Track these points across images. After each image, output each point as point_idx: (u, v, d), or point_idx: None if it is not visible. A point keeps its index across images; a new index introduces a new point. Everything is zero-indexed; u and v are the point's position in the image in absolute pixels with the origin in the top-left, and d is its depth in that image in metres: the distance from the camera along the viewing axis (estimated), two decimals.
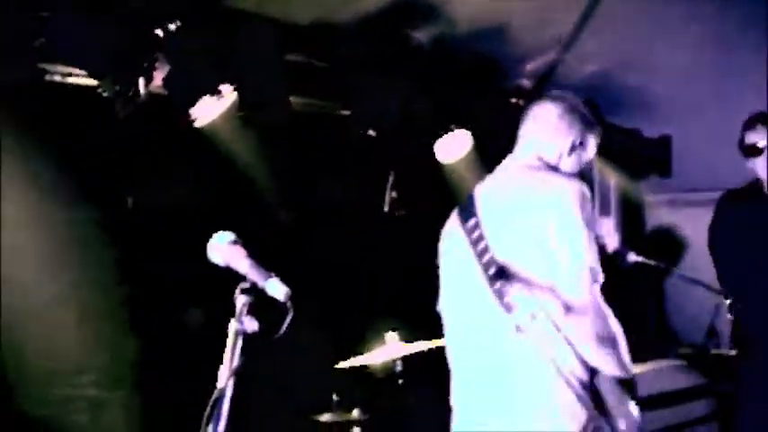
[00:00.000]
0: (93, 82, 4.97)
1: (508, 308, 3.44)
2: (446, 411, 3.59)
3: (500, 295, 3.46)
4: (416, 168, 6.25)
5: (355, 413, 5.58)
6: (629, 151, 7.88)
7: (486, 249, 3.54)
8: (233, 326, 2.79)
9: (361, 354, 5.52)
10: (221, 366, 2.68)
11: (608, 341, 3.41)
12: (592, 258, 3.44)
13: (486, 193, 3.78)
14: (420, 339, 5.57)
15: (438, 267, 3.91)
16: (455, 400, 3.77)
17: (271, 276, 2.83)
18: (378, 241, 6.27)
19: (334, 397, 5.63)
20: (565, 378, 3.37)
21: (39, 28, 4.54)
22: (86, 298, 5.32)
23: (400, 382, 5.62)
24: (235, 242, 2.97)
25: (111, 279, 5.34)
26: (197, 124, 5.42)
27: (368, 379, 5.92)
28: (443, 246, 3.90)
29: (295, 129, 5.73)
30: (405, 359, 5.58)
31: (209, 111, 5.43)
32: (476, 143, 6.37)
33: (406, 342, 5.56)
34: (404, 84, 6.10)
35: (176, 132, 5.38)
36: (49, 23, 4.57)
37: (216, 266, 2.92)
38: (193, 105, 5.35)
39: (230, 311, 2.81)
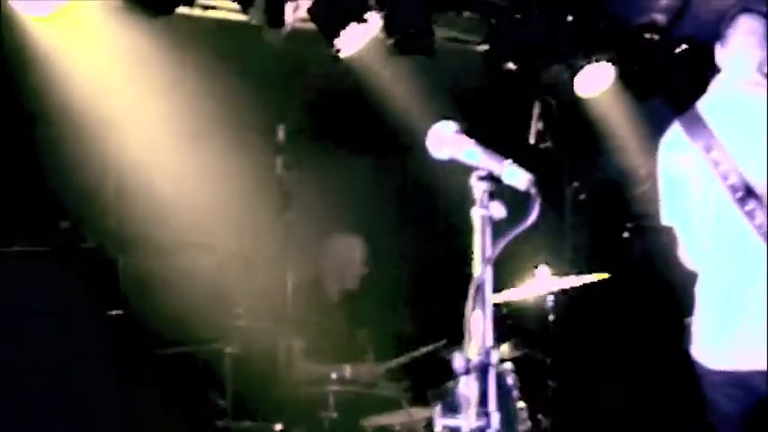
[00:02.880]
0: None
1: (761, 228, 3.28)
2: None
3: (752, 216, 3.30)
4: (560, 101, 5.99)
5: (504, 348, 5.33)
6: None
7: (730, 171, 3.39)
8: (477, 213, 2.56)
9: (512, 287, 5.26)
10: (474, 255, 2.45)
11: None
12: None
13: (716, 110, 3.61)
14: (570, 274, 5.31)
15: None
16: (700, 320, 3.55)
17: (507, 162, 2.58)
18: None
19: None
20: None
21: None
22: None
23: (551, 318, 5.34)
24: (459, 131, 2.73)
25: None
26: (342, 54, 5.20)
27: (517, 315, 5.69)
28: (665, 158, 3.71)
29: (437, 61, 5.51)
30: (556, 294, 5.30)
31: (353, 40, 5.23)
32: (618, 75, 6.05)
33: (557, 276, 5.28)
34: (541, 17, 5.83)
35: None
36: None
37: None
38: (339, 34, 5.14)
39: None
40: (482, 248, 2.51)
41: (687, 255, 3.73)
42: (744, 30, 3.72)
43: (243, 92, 5.44)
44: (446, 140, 2.73)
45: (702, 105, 3.73)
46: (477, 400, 2.20)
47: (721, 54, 3.78)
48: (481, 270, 2.44)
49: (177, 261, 5.42)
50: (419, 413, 5.33)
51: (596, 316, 6.47)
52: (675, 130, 3.74)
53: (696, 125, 3.64)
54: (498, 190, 2.64)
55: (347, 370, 5.66)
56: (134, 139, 5.33)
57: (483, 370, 2.24)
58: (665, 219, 3.75)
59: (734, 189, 3.48)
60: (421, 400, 5.45)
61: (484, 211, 2.56)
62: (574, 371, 6.09)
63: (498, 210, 2.58)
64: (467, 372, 2.23)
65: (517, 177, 2.60)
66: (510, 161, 2.66)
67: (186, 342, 5.24)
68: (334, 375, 5.11)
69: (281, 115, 5.19)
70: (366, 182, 6.45)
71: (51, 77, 4.84)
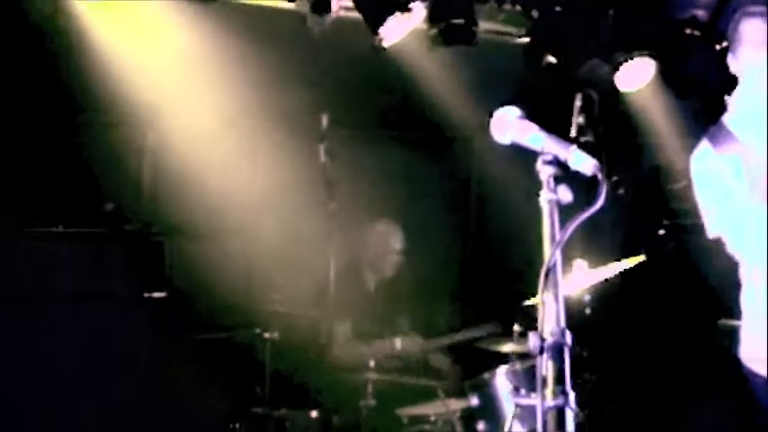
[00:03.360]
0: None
1: None
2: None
3: None
4: (601, 95, 5.99)
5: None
6: None
7: None
8: (545, 197, 2.57)
9: None
10: (545, 240, 2.47)
11: None
12: None
13: (742, 123, 3.59)
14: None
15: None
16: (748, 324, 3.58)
17: (573, 147, 2.59)
18: None
19: (516, 327, 5.36)
20: None
21: None
22: None
23: (588, 312, 5.34)
24: (523, 116, 2.75)
25: None
26: (384, 43, 5.22)
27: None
28: (699, 169, 3.68)
29: (478, 54, 5.53)
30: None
31: (397, 29, 5.25)
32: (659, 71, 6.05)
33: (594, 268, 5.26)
34: (582, 10, 5.83)
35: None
36: None
37: None
38: (383, 22, 5.17)
39: None
40: (551, 232, 2.52)
41: (740, 259, 3.68)
42: (749, 37, 3.68)
43: (287, 80, 5.48)
44: (510, 125, 2.75)
45: (729, 119, 3.68)
46: (555, 378, 2.22)
47: (734, 65, 3.74)
48: (551, 253, 2.46)
49: (220, 247, 5.48)
50: (455, 404, 5.36)
51: (632, 311, 6.47)
52: (705, 147, 3.68)
53: (726, 138, 3.59)
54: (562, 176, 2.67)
55: (397, 343, 5.72)
56: (178, 126, 5.39)
57: (558, 349, 2.26)
58: (711, 230, 3.70)
59: None
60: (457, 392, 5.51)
61: (551, 195, 2.58)
62: (611, 365, 6.10)
63: (565, 194, 2.60)
64: (541, 351, 2.25)
65: (583, 162, 2.62)
66: (575, 146, 2.68)
67: (227, 327, 5.28)
68: (372, 363, 5.14)
69: (325, 103, 5.22)
70: (407, 171, 6.48)
71: (100, 63, 4.89)
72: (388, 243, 6.04)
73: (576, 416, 5.16)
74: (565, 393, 2.21)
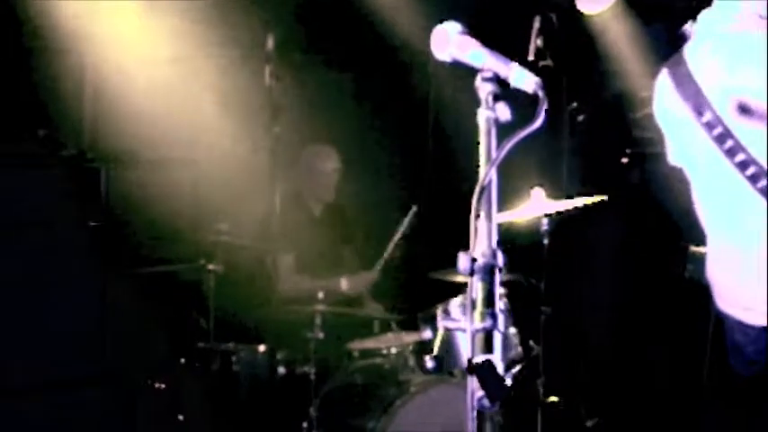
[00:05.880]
0: None
1: (762, 192, 3.21)
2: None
3: (754, 181, 3.22)
4: (562, 17, 5.93)
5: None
6: None
7: (725, 135, 3.29)
8: (482, 114, 2.54)
9: (505, 210, 5.26)
10: (479, 159, 2.44)
11: None
12: None
13: (701, 57, 3.48)
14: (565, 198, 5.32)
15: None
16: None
17: (513, 64, 2.55)
18: None
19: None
20: None
21: None
22: None
23: (545, 242, 5.35)
24: (464, 32, 2.69)
25: None
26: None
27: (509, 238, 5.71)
28: (660, 105, 3.60)
29: None
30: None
31: None
32: None
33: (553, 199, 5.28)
34: None
35: None
36: None
37: None
38: None
39: None
40: (487, 151, 2.49)
41: (696, 199, 3.65)
42: None
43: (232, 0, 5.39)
44: (450, 41, 2.70)
45: (688, 51, 3.58)
46: (483, 301, 2.20)
47: None
48: (486, 172, 2.43)
49: (163, 175, 5.42)
50: (408, 337, 5.38)
51: (591, 242, 6.50)
52: (664, 82, 3.61)
53: (684, 79, 3.50)
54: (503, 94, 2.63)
55: (343, 282, 5.72)
56: (114, 49, 5.30)
57: (489, 271, 2.24)
58: (672, 158, 3.68)
59: (731, 153, 3.36)
60: (409, 324, 5.52)
61: (489, 113, 2.55)
62: (567, 297, 6.15)
63: (503, 111, 2.56)
64: (472, 272, 2.23)
65: (524, 79, 2.58)
66: (516, 63, 2.63)
67: (168, 259, 5.24)
68: (321, 295, 5.12)
69: (271, 24, 5.13)
70: (352, 96, 6.42)
71: None
72: (322, 164, 5.95)
73: (531, 349, 5.26)
74: (494, 316, 2.19)
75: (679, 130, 3.62)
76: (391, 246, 5.92)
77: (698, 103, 3.49)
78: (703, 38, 3.63)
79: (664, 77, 3.64)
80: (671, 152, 3.70)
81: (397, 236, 5.90)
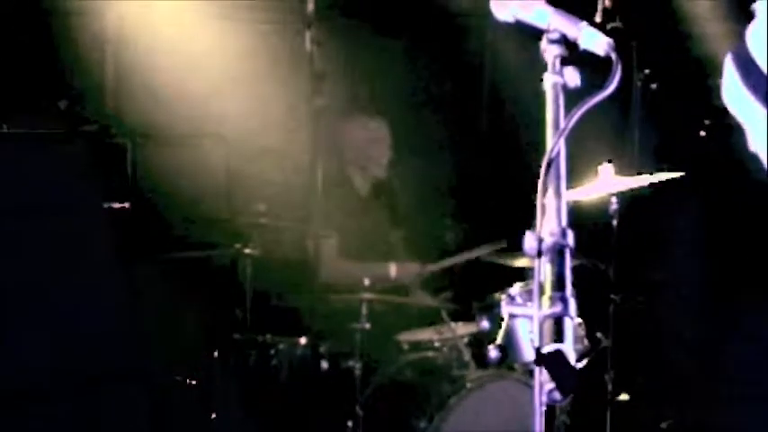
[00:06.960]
0: None
1: None
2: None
3: None
4: None
5: None
6: None
7: None
8: (549, 79, 2.48)
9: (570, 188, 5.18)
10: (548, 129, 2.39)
11: None
12: None
13: None
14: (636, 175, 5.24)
15: None
16: None
17: (582, 23, 2.50)
18: None
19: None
20: None
21: None
22: None
23: (614, 223, 5.28)
24: None
25: None
26: None
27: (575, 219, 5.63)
28: (729, 90, 3.55)
29: None
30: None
31: None
32: None
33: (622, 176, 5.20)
34: None
35: None
36: None
37: None
38: None
39: None
40: (554, 119, 2.41)
41: None
42: None
43: None
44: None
45: (750, 34, 3.51)
46: (553, 284, 2.15)
47: None
48: (554, 143, 2.36)
49: (190, 152, 5.41)
50: (462, 328, 5.34)
51: (665, 223, 6.41)
52: (729, 67, 3.55)
53: (747, 65, 3.44)
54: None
55: (392, 268, 5.68)
56: (137, 14, 5.29)
57: (559, 252, 2.18)
58: (751, 144, 3.63)
59: None
60: (464, 314, 5.48)
61: (557, 78, 2.46)
62: (639, 284, 6.07)
63: (572, 77, 2.50)
64: (539, 254, 2.18)
65: (595, 41, 2.50)
66: (585, 23, 2.58)
67: (200, 243, 5.23)
68: (367, 281, 5.09)
69: None
70: (402, 64, 6.38)
71: None
72: (371, 137, 5.87)
73: (599, 341, 5.19)
74: (564, 301, 2.14)
75: (749, 117, 3.56)
76: (457, 260, 5.81)
77: (760, 87, 3.45)
78: (762, 20, 3.56)
79: (728, 62, 3.58)
80: (749, 138, 3.65)
81: (469, 256, 5.73)
